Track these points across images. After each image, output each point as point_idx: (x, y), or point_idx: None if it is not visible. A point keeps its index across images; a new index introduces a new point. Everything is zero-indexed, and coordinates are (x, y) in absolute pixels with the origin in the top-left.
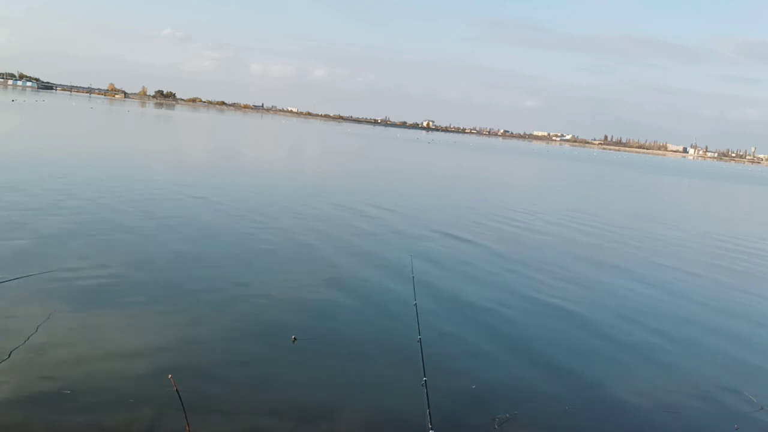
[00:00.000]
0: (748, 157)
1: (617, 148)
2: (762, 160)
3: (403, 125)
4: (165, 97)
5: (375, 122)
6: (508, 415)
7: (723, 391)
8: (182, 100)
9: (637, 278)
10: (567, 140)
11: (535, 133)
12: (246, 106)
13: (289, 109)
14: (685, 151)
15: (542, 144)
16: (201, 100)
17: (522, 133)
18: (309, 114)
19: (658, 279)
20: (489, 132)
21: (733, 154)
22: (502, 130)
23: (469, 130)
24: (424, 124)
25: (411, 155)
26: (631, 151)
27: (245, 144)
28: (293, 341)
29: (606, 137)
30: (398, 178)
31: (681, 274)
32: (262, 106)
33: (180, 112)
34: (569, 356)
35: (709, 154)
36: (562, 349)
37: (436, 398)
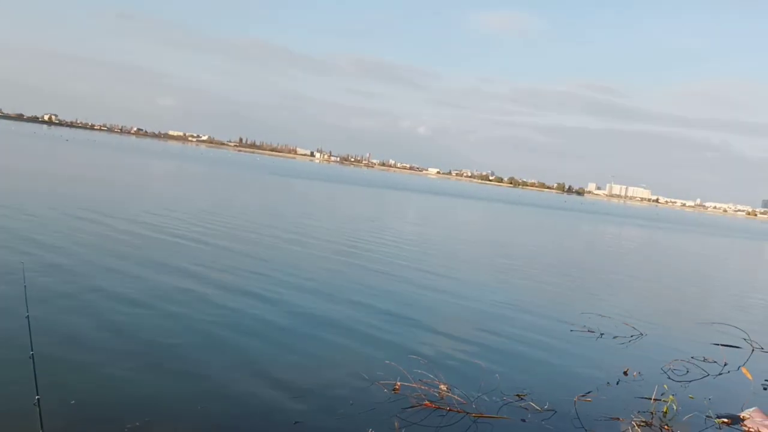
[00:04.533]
0: (364, 161)
1: (252, 150)
2: (375, 164)
3: (20, 118)
4: None
5: None
6: (138, 423)
7: (350, 379)
8: None
9: (259, 278)
10: (203, 141)
11: (171, 132)
12: None
13: None
14: (312, 154)
15: (178, 144)
16: None
17: (157, 132)
18: None
19: (282, 277)
20: (121, 130)
21: (353, 159)
22: (135, 128)
23: (99, 127)
24: (46, 117)
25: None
26: (265, 154)
27: None
28: None
29: (241, 139)
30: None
31: (299, 268)
32: None
33: None
34: (197, 355)
35: (332, 158)
36: (193, 348)
37: (53, 417)
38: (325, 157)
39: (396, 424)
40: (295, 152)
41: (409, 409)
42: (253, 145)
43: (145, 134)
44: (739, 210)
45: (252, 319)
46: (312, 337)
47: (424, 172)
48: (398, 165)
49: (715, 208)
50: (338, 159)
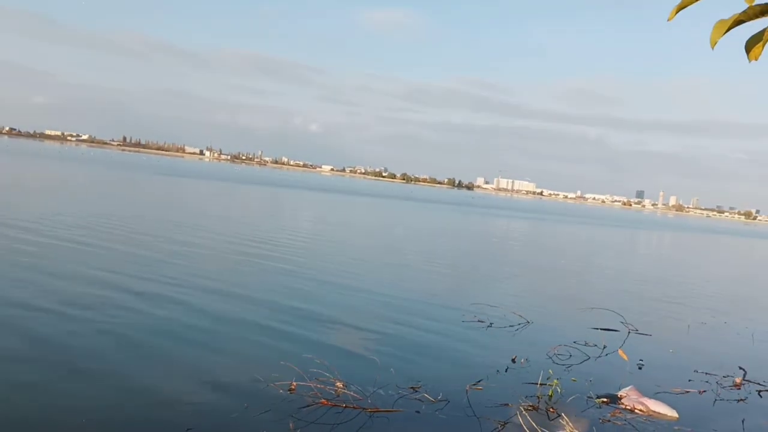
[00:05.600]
0: (256, 159)
1: (137, 149)
2: (268, 162)
3: None
4: None
5: None
6: None
7: (245, 381)
8: None
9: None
10: (84, 140)
11: (48, 132)
12: None
13: None
14: (201, 153)
15: (56, 144)
16: None
17: (32, 132)
18: None
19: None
20: None
21: (244, 157)
22: (7, 128)
23: None
24: None
25: None
26: (151, 153)
27: None
28: None
29: (125, 138)
30: None
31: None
32: None
33: None
34: (79, 362)
35: (223, 157)
36: (76, 354)
37: None
38: (215, 155)
39: (291, 424)
40: (184, 151)
41: (305, 409)
42: (138, 144)
43: (19, 134)
44: (615, 201)
45: (141, 322)
46: (205, 339)
47: (317, 169)
48: (291, 162)
49: (594, 199)
50: (229, 157)
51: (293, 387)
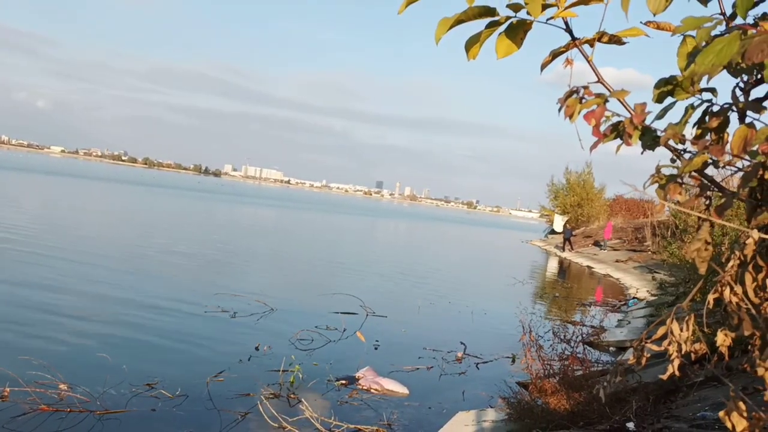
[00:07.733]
0: None
1: None
2: None
3: None
4: None
5: None
6: None
7: None
8: None
9: None
10: None
11: None
12: None
13: None
14: None
15: None
16: None
17: None
18: None
19: None
20: None
21: None
22: None
23: None
24: None
25: None
26: None
27: None
28: None
29: None
30: None
31: None
32: None
33: None
34: None
35: None
36: None
37: None
38: None
39: None
40: None
41: (21, 417)
42: None
43: None
44: (358, 190)
45: None
46: None
47: (45, 150)
48: (13, 142)
49: (338, 188)
50: None
51: (6, 394)
